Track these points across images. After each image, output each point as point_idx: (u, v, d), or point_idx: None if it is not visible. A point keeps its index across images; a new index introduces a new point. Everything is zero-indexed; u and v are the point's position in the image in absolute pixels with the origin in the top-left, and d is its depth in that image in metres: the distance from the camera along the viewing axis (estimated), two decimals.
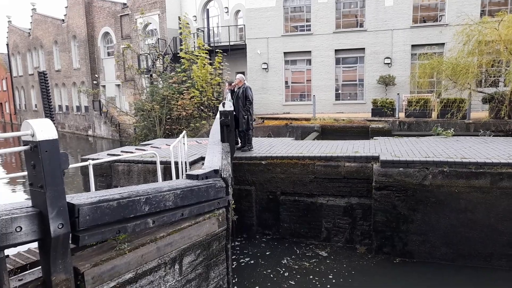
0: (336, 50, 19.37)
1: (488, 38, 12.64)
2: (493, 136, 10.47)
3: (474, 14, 16.42)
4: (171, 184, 4.94)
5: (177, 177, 6.52)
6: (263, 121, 16.45)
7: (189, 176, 5.47)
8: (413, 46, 18.19)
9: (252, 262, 7.16)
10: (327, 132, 14.17)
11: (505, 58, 12.64)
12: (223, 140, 8.06)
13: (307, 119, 15.77)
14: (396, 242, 7.13)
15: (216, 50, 16.68)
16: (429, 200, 6.88)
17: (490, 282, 6.32)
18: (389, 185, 7.07)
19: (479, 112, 15.09)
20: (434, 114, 14.51)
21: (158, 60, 19.93)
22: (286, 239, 8.02)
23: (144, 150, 8.92)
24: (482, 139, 9.59)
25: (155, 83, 16.69)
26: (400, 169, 7.03)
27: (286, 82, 20.64)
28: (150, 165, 7.89)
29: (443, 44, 17.39)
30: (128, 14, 25.94)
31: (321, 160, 7.82)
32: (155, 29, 24.09)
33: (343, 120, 15.01)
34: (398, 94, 16.09)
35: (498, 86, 14.06)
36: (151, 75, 18.74)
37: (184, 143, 7.15)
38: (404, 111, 15.54)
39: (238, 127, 8.72)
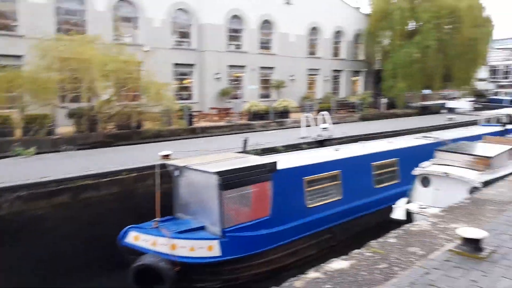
0: None
1: (65, 55, 13.02)
2: (78, 150, 10.91)
3: (50, 29, 16.48)
4: None
5: None
6: None
7: None
8: None
9: None
10: None
11: (81, 76, 13.51)
12: None
13: None
14: None
15: None
16: (11, 229, 6.03)
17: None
18: None
19: (68, 127, 15.35)
20: (18, 132, 13.22)
21: None
22: None
23: None
24: (66, 154, 9.72)
25: None
26: None
27: None
28: None
29: (21, 56, 16.24)
30: None
31: None
32: None
33: None
34: None
35: (80, 102, 14.86)
36: None
37: None
38: None
39: None
